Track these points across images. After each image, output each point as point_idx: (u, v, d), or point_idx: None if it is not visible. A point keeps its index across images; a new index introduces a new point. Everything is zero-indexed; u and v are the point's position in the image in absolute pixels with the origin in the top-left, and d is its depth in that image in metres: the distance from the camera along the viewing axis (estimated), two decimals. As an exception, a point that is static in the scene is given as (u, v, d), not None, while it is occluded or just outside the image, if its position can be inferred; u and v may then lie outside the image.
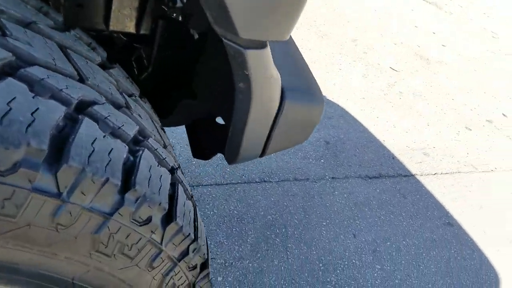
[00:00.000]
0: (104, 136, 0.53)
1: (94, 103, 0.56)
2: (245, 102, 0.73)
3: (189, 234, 0.67)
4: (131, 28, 1.12)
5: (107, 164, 0.52)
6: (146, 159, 0.60)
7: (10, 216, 0.45)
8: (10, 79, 0.48)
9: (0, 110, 0.44)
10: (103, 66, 0.72)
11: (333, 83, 3.47)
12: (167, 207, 0.62)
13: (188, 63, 1.20)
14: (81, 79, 0.59)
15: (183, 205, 0.68)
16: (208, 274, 0.76)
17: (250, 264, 1.72)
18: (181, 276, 0.69)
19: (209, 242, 1.75)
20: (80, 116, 0.52)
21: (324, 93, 3.33)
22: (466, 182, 2.92)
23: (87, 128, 0.51)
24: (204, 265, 0.75)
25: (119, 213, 0.55)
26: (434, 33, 5.68)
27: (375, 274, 1.91)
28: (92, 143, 0.50)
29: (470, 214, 2.61)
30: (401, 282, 1.93)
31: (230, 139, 0.84)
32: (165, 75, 1.25)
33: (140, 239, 0.60)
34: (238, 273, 1.68)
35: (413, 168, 2.83)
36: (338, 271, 1.85)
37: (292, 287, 1.70)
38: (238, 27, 0.61)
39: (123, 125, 0.58)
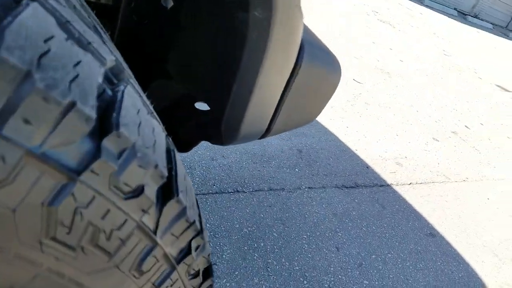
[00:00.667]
0: (66, 40, 0.33)
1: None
2: (261, 40, 0.56)
3: (194, 221, 0.48)
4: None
5: (72, 80, 0.33)
6: (131, 96, 0.41)
7: None
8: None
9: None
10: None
11: (301, 92, 3.39)
12: (166, 173, 0.43)
13: (160, 36, 1.02)
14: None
15: (183, 178, 0.49)
16: (212, 286, 0.57)
17: (228, 284, 1.51)
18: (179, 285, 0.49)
19: (178, 260, 1.53)
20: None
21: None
22: (441, 192, 2.89)
23: (34, 12, 0.32)
24: (208, 273, 0.55)
25: (92, 171, 0.35)
26: (391, 49, 5.85)
27: (365, 290, 1.76)
28: (46, 41, 0.31)
29: (450, 224, 2.55)
30: (392, 297, 1.79)
31: (232, 106, 0.66)
32: (132, 52, 1.06)
33: (124, 221, 0.40)
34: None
35: (388, 178, 2.76)
36: (324, 287, 1.68)
37: (277, 308, 1.50)
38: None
39: (93, 42, 0.38)
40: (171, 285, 0.49)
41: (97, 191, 0.37)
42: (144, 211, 0.41)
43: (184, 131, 0.97)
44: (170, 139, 0.54)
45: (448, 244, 2.37)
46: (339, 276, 1.77)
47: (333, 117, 3.22)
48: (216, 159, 2.10)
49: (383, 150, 3.11)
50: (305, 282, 1.67)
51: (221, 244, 1.66)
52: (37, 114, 0.31)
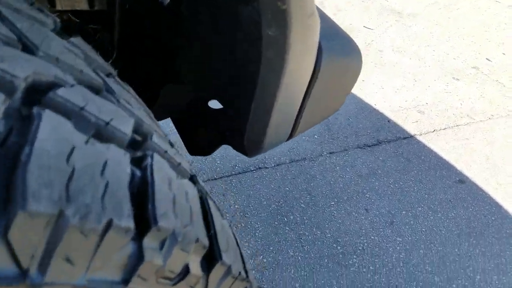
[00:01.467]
0: (86, 142, 0.34)
1: (54, 85, 0.36)
2: (277, 58, 0.58)
3: (240, 273, 0.51)
4: (82, 4, 0.96)
5: (103, 195, 0.33)
6: (160, 168, 0.42)
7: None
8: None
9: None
10: (59, 34, 0.54)
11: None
12: (207, 243, 0.45)
13: (162, 37, 1.05)
14: (28, 49, 0.39)
15: (221, 229, 0.51)
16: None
17: (265, 260, 1.61)
18: None
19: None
20: (36, 110, 0.32)
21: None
22: (466, 135, 2.89)
23: (50, 126, 0.32)
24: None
25: (139, 276, 0.36)
26: (400, -14, 5.64)
27: (398, 248, 1.84)
28: (68, 159, 0.32)
29: (479, 167, 2.57)
30: (426, 251, 1.87)
31: (252, 122, 0.70)
32: (135, 58, 1.10)
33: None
34: (254, 271, 1.56)
35: (410, 128, 2.77)
36: (358, 251, 1.76)
37: (314, 277, 1.60)
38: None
39: (112, 120, 0.39)
40: None
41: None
42: (192, 287, 0.44)
43: (202, 135, 1.02)
44: (200, 183, 0.58)
45: (478, 188, 2.40)
46: (372, 237, 1.85)
47: (347, 73, 3.21)
48: (235, 138, 2.16)
49: (403, 99, 3.10)
50: (338, 247, 1.75)
51: (252, 222, 1.75)
52: (76, 249, 0.30)
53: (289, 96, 0.66)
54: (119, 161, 0.37)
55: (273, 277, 1.56)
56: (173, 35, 0.98)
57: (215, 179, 1.92)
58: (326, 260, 1.68)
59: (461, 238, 2.00)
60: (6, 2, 0.42)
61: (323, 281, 1.59)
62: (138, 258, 0.35)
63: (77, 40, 0.54)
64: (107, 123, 0.38)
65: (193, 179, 0.54)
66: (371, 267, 1.71)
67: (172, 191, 0.42)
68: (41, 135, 0.30)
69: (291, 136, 0.79)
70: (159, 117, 1.09)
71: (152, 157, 0.42)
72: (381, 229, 1.91)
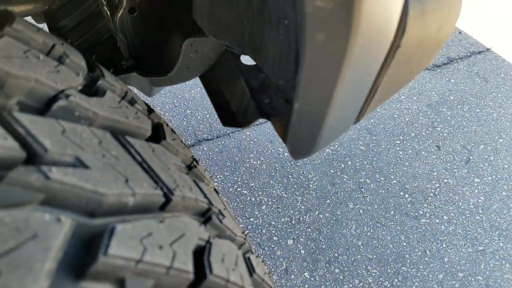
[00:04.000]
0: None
1: None
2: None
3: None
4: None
5: None
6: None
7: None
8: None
9: None
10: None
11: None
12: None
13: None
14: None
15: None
16: None
17: (321, 215, 1.43)
18: None
19: (264, 198, 1.46)
20: None
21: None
22: None
23: None
24: None
25: None
26: None
27: (476, 191, 1.58)
28: None
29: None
30: (510, 192, 1.60)
31: (295, 121, 0.47)
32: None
33: None
34: (309, 229, 1.39)
35: (486, 41, 2.35)
36: (430, 198, 1.54)
37: (380, 231, 1.42)
38: None
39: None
40: None
41: None
42: None
43: (236, 100, 0.80)
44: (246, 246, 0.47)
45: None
46: (445, 180, 1.61)
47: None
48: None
49: (479, 10, 2.61)
50: (406, 195, 1.53)
51: (305, 172, 1.55)
52: None
53: (360, 68, 0.41)
54: None
55: (332, 235, 1.38)
56: None
57: (262, 123, 1.70)
58: (392, 212, 1.47)
59: None
60: None
61: (389, 237, 1.40)
62: None
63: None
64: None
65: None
66: (445, 217, 1.48)
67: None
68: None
69: (357, 121, 0.55)
70: (186, 78, 0.87)
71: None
72: (456, 170, 1.65)
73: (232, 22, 0.61)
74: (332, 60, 0.38)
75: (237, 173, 1.53)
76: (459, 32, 2.37)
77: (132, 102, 0.56)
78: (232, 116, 0.81)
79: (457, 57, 2.20)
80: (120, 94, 0.54)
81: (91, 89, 0.48)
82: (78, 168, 0.34)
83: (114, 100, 0.49)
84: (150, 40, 0.81)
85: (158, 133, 0.56)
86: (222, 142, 1.64)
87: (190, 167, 0.58)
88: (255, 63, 0.76)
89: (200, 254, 0.41)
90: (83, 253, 0.30)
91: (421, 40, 0.45)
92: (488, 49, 2.30)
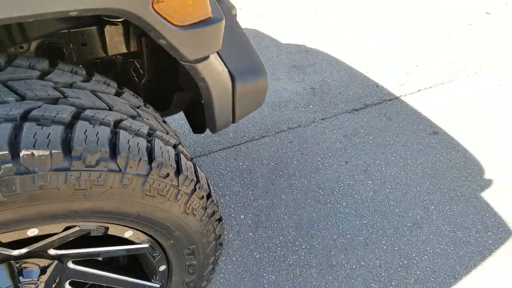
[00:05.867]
0: (132, 137, 1.00)
1: (121, 120, 1.04)
2: (207, 92, 1.22)
3: (193, 179, 1.16)
4: (123, 49, 1.60)
5: (139, 151, 0.99)
6: (158, 143, 1.09)
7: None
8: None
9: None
10: (117, 93, 1.21)
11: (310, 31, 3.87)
12: (175, 166, 1.11)
13: (173, 66, 1.69)
14: (110, 108, 1.07)
15: (185, 164, 1.16)
16: (212, 201, 1.26)
17: (263, 202, 2.27)
18: (196, 203, 1.19)
19: (228, 192, 2.31)
20: (117, 130, 1.00)
21: (303, 41, 3.73)
22: (452, 90, 3.33)
23: (122, 135, 0.98)
24: (209, 195, 1.25)
25: (151, 175, 1.04)
26: None
27: (368, 188, 2.43)
28: (128, 141, 0.99)
29: (457, 120, 3.03)
30: (392, 190, 2.44)
31: (207, 116, 1.34)
32: (158, 77, 1.75)
33: (165, 186, 1.08)
34: (255, 210, 2.23)
35: (396, 90, 3.27)
36: (335, 192, 2.38)
37: (300, 211, 2.25)
38: (187, 55, 1.09)
39: (139, 128, 1.06)
40: (192, 202, 1.18)
41: (155, 178, 1.09)
42: (172, 181, 1.11)
43: (196, 120, 1.67)
44: (181, 145, 1.26)
45: (451, 138, 2.89)
46: (347, 182, 2.46)
47: (343, 46, 3.69)
48: (243, 115, 2.81)
49: (394, 63, 3.56)
50: (320, 191, 2.38)
51: (256, 177, 2.40)
52: (133, 164, 1.03)
53: (221, 102, 1.29)
54: (142, 143, 1.02)
55: (269, 213, 2.21)
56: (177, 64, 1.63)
57: (229, 147, 2.57)
58: (309, 200, 2.31)
59: (424, 178, 2.55)
60: (96, 88, 1.09)
61: (305, 214, 2.23)
62: (149, 170, 1.02)
63: (125, 94, 1.21)
64: (138, 130, 1.04)
65: (174, 146, 1.19)
66: (343, 203, 2.32)
67: (161, 150, 1.08)
68: (121, 137, 0.97)
69: (234, 119, 1.41)
70: (174, 111, 1.75)
71: (155, 139, 1.09)
72: (356, 176, 2.50)
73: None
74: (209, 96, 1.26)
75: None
76: (376, 86, 3.30)
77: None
78: (197, 127, 1.68)
79: (371, 103, 3.11)
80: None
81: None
82: None
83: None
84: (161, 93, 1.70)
85: None
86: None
87: None
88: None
89: None
90: None
91: (246, 93, 1.34)
92: (397, 97, 3.21)
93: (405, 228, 2.23)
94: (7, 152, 0.78)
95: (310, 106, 2.98)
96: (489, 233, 2.26)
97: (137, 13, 0.92)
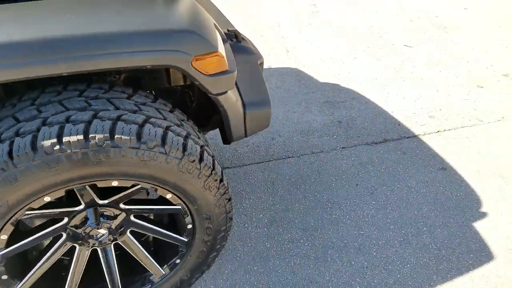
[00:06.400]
0: (175, 136, 1.62)
1: (170, 126, 1.67)
2: (226, 114, 1.86)
3: (210, 166, 1.74)
4: (181, 82, 2.29)
5: (178, 144, 1.62)
6: (190, 142, 1.70)
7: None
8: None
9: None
10: (171, 111, 1.88)
11: (348, 71, 4.43)
12: (199, 156, 1.70)
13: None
14: (165, 119, 1.72)
15: (206, 157, 1.75)
16: (224, 184, 1.84)
17: (279, 207, 2.84)
18: (212, 183, 1.78)
19: (252, 197, 2.90)
20: (167, 131, 1.65)
21: (337, 81, 4.29)
22: (468, 134, 3.70)
23: (169, 134, 1.62)
24: (221, 180, 1.82)
25: (183, 159, 1.66)
26: (458, -1, 6.23)
27: (370, 207, 2.91)
28: (172, 138, 1.63)
29: (466, 159, 3.41)
30: (391, 210, 2.90)
31: (227, 131, 1.97)
32: (203, 103, 2.42)
33: (192, 167, 1.68)
34: (272, 212, 2.81)
35: (416, 130, 3.71)
36: (342, 206, 2.89)
37: (309, 217, 2.78)
38: (212, 91, 1.75)
39: (180, 132, 1.68)
40: (208, 179, 1.80)
41: (185, 162, 1.72)
42: (196, 165, 1.74)
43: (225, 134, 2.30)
44: (207, 146, 1.90)
45: (456, 174, 3.28)
46: (354, 200, 2.95)
47: (376, 86, 4.21)
48: (275, 138, 3.42)
49: (419, 107, 4.01)
50: (329, 204, 2.90)
51: (277, 188, 2.99)
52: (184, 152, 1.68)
53: (236, 121, 1.91)
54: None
55: (283, 216, 2.77)
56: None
57: (259, 162, 3.18)
58: (318, 210, 2.84)
59: (423, 205, 2.98)
60: (159, 107, 1.77)
61: (312, 220, 2.75)
62: (182, 157, 1.67)
63: (176, 111, 1.88)
64: (178, 134, 1.69)
65: (201, 146, 1.82)
66: (347, 216, 2.82)
67: (192, 146, 1.72)
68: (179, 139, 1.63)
69: (245, 135, 2.02)
70: (212, 128, 2.41)
71: (188, 139, 1.73)
72: (362, 196, 2.99)
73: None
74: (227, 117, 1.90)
75: (242, 185, 3.00)
76: (398, 124, 3.77)
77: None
78: (226, 140, 2.31)
79: (390, 139, 3.59)
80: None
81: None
82: None
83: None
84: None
85: None
86: (238, 171, 3.14)
87: None
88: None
89: None
90: None
91: (254, 117, 1.97)
92: (415, 136, 3.66)
93: (396, 242, 2.68)
94: (108, 134, 1.46)
95: (334, 136, 3.53)
96: (471, 255, 2.64)
97: (183, 68, 1.59)
